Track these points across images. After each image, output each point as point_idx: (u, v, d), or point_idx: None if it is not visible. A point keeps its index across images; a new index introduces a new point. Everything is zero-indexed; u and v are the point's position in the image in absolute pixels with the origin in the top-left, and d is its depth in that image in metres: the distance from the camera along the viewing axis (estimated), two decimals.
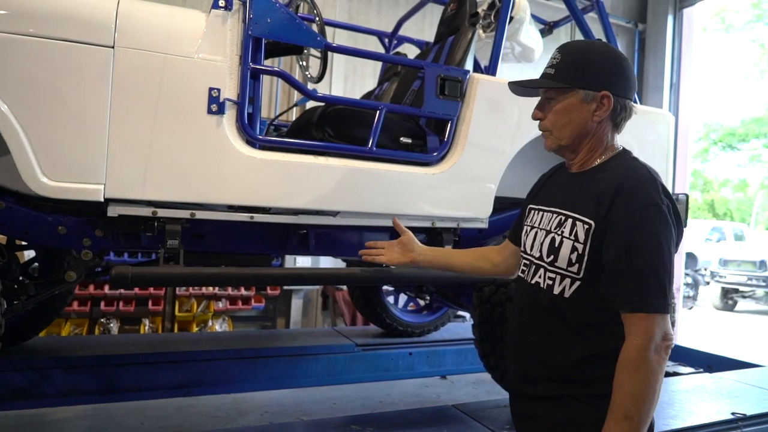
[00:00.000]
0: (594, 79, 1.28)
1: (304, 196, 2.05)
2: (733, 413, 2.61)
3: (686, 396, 2.93)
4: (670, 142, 2.85)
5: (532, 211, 1.43)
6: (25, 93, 1.69)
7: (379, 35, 3.68)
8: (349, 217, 2.20)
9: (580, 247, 1.25)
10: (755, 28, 19.93)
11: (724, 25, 20.45)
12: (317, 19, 2.29)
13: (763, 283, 10.78)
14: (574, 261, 1.25)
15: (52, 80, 1.72)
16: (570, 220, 1.28)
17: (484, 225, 2.45)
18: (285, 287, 5.21)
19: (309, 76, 2.53)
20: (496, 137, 2.40)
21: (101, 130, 1.78)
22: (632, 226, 1.19)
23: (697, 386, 3.11)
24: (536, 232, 1.37)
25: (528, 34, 3.13)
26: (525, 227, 1.43)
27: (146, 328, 4.75)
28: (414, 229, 2.41)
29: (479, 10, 3.14)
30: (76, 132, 1.76)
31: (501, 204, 2.68)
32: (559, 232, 1.29)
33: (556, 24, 3.40)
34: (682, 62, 6.78)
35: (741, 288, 11.60)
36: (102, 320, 4.65)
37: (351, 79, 5.64)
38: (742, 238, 15.10)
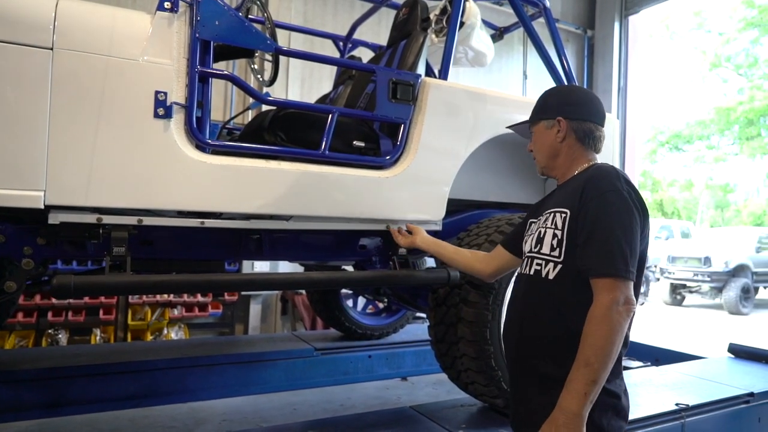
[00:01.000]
0: (549, 110, 1.66)
1: (256, 201, 2.03)
2: (677, 404, 2.72)
3: (634, 389, 3.04)
4: (615, 144, 2.96)
5: (532, 224, 1.68)
6: None
7: (334, 38, 3.68)
8: (302, 222, 2.19)
9: (559, 233, 1.50)
10: (696, 36, 20.91)
11: (668, 32, 21.38)
12: (267, 22, 2.27)
13: (708, 279, 11.27)
14: (555, 246, 1.50)
15: None
16: (552, 214, 1.55)
17: (438, 227, 2.49)
18: (243, 293, 5.13)
19: (261, 79, 2.51)
20: (448, 140, 2.43)
21: (40, 135, 1.72)
22: (598, 207, 1.42)
23: (644, 379, 3.23)
24: (531, 235, 1.64)
25: (479, 38, 3.19)
26: (526, 237, 1.67)
27: (97, 338, 4.59)
28: (368, 232, 2.45)
29: (432, 15, 3.19)
30: (12, 137, 1.69)
31: (454, 206, 2.73)
32: (544, 226, 1.56)
33: (506, 29, 3.48)
34: (628, 67, 7.05)
35: (688, 283, 12.10)
36: (50, 331, 4.46)
37: (308, 83, 5.62)
38: (689, 236, 15.79)
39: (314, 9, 5.74)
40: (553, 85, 3.04)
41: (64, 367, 2.94)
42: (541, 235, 1.56)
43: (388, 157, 2.30)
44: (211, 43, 2.03)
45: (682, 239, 15.24)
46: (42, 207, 1.73)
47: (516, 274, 1.71)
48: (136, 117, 1.84)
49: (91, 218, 1.83)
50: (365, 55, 3.67)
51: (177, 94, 1.90)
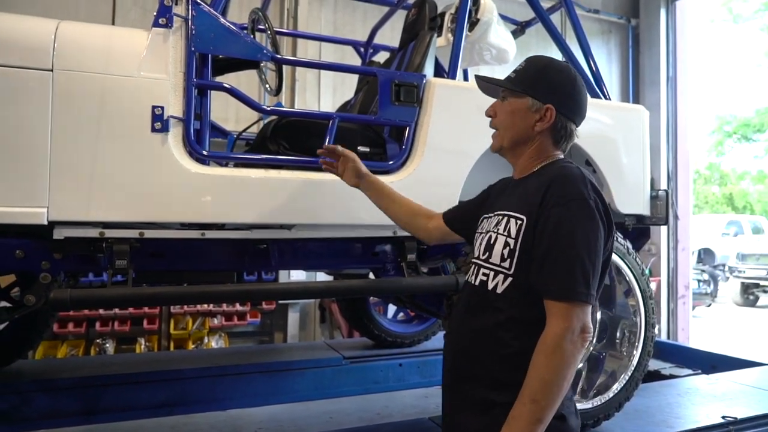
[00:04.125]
0: (544, 91, 1.38)
1: (256, 211, 2.02)
2: (723, 417, 2.50)
3: (677, 400, 2.83)
4: (645, 136, 2.76)
5: (483, 220, 1.50)
6: None
7: (354, 44, 3.66)
8: (305, 230, 2.17)
9: (511, 242, 1.31)
10: (763, 17, 19.55)
11: (731, 16, 20.11)
12: (269, 31, 2.28)
13: None
14: (506, 256, 1.32)
15: None
16: (505, 218, 1.36)
17: None
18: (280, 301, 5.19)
19: (268, 89, 2.52)
20: (457, 141, 2.35)
21: (42, 153, 1.78)
22: (561, 217, 1.25)
23: (690, 389, 3.00)
24: (482, 237, 1.44)
25: (498, 35, 3.08)
26: (476, 235, 1.49)
27: (142, 347, 4.77)
28: (376, 239, 2.39)
29: (448, 14, 3.12)
30: (16, 156, 1.76)
31: None
32: (495, 230, 1.37)
33: (527, 24, 3.35)
34: (677, 55, 6.65)
35: (762, 282, 11.28)
36: (98, 341, 4.67)
37: (340, 90, 5.64)
38: (761, 231, 14.71)
39: (344, 17, 5.76)
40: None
41: (97, 375, 3.05)
42: (491, 242, 1.36)
43: (392, 162, 2.25)
44: (209, 56, 2.06)
45: (754, 235, 14.21)
46: (45, 223, 1.79)
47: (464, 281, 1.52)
48: (134, 132, 1.88)
49: (93, 232, 1.88)
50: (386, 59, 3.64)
51: (174, 107, 1.93)
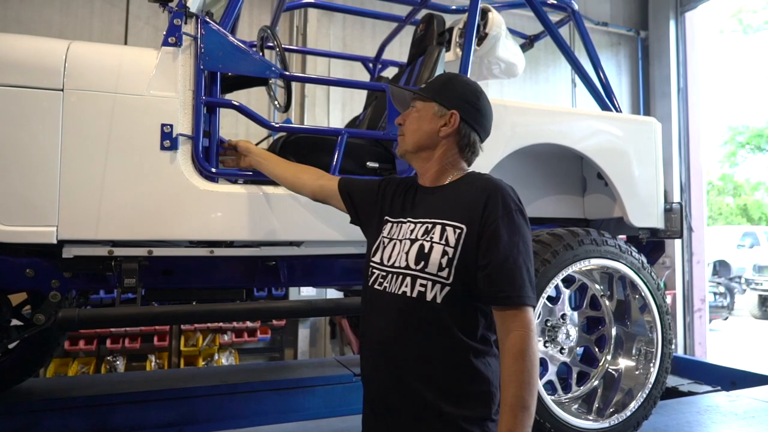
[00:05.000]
0: (449, 98, 1.44)
1: (265, 228, 2.02)
2: None
3: (697, 418, 2.75)
4: (658, 148, 2.73)
5: (388, 224, 1.48)
6: None
7: (363, 60, 3.68)
8: (314, 247, 2.15)
9: (450, 251, 1.31)
10: None
11: (741, 26, 20.03)
12: (278, 49, 2.29)
13: None
14: (444, 265, 1.31)
15: (1, 125, 1.74)
16: (439, 227, 1.35)
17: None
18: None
19: (277, 105, 2.52)
20: None
21: (53, 173, 1.79)
22: (505, 229, 1.29)
23: (710, 406, 2.92)
24: (394, 244, 1.41)
25: (507, 49, 3.07)
26: (380, 240, 1.46)
27: (152, 364, 4.75)
28: None
29: (456, 28, 3.12)
30: (27, 176, 1.77)
31: None
32: (428, 239, 1.35)
33: (536, 37, 3.34)
34: (688, 67, 6.61)
35: None
36: (108, 358, 4.66)
37: (349, 106, 5.66)
38: None
39: (352, 33, 5.80)
40: (593, 98, 2.88)
41: (107, 394, 3.03)
42: (426, 251, 1.32)
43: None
44: (218, 74, 2.06)
45: None
46: (55, 242, 1.79)
47: (370, 289, 1.43)
48: (143, 150, 1.88)
49: (102, 251, 1.88)
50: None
51: (183, 125, 1.93)
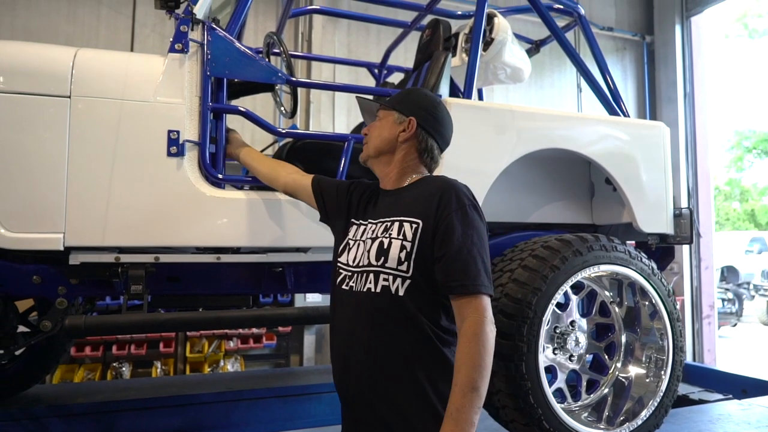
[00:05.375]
0: (408, 107, 1.55)
1: (271, 234, 2.01)
2: None
3: (710, 427, 2.71)
4: (667, 153, 2.71)
5: (354, 226, 1.55)
6: None
7: (368, 66, 3.68)
8: (321, 253, 2.14)
9: (408, 245, 1.38)
10: None
11: (747, 31, 19.96)
12: (284, 55, 2.28)
13: None
14: (403, 259, 1.37)
15: (8, 132, 1.75)
16: (396, 223, 1.42)
17: None
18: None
19: (283, 111, 2.52)
20: (474, 161, 2.31)
21: (59, 179, 1.79)
22: (458, 222, 1.35)
23: (722, 415, 2.88)
24: (359, 244, 1.48)
25: (513, 54, 3.07)
26: (346, 241, 1.53)
27: (158, 370, 4.74)
28: None
29: (462, 34, 3.12)
30: (34, 182, 1.77)
31: (490, 230, 2.58)
32: (386, 236, 1.42)
33: (542, 42, 3.33)
34: (694, 71, 6.58)
35: None
36: (114, 364, 4.66)
37: (354, 112, 5.65)
38: None
39: (357, 39, 5.81)
40: (600, 102, 2.87)
41: (113, 401, 3.02)
42: (385, 246, 1.40)
43: None
44: (224, 80, 2.06)
45: None
46: (62, 249, 1.79)
47: (338, 290, 1.50)
48: (149, 156, 1.88)
49: (109, 257, 1.87)
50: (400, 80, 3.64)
51: (190, 132, 1.93)
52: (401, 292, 1.36)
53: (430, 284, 1.36)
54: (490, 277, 1.35)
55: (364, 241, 1.47)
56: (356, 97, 1.73)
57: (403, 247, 1.37)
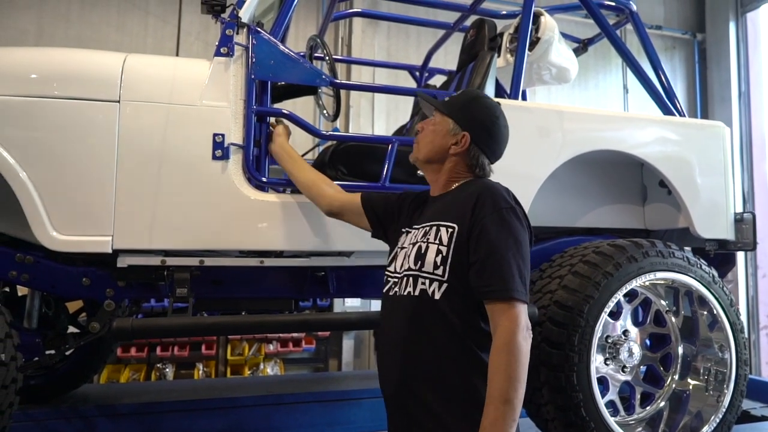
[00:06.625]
0: (465, 118, 1.50)
1: (314, 238, 1.99)
2: None
3: None
4: (727, 154, 2.56)
5: (402, 234, 1.55)
6: (34, 150, 1.76)
7: (409, 69, 3.64)
8: (365, 257, 2.10)
9: (444, 249, 1.37)
10: None
11: None
12: (327, 58, 2.27)
13: None
14: (439, 264, 1.36)
15: (60, 137, 1.78)
16: (434, 228, 1.42)
17: None
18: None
19: (326, 114, 2.51)
20: (521, 163, 2.24)
21: (108, 183, 1.81)
22: (493, 225, 1.33)
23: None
24: (405, 251, 1.48)
25: (559, 53, 2.97)
26: (395, 250, 1.53)
27: (200, 372, 4.81)
28: None
29: (506, 34, 3.04)
30: (84, 186, 1.80)
31: (537, 235, 2.50)
32: (425, 240, 1.42)
33: (590, 41, 3.22)
34: (750, 70, 6.26)
35: None
36: (158, 365, 4.75)
37: (393, 115, 5.63)
38: None
39: (397, 43, 5.79)
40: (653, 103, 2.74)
41: (158, 402, 3.07)
42: (422, 251, 1.40)
43: None
44: (269, 83, 2.06)
45: None
46: (110, 251, 1.81)
47: (385, 296, 1.51)
48: (195, 160, 1.89)
49: (155, 260, 1.89)
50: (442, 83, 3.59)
51: (235, 135, 1.93)
52: (437, 296, 1.35)
53: (467, 288, 1.34)
54: (525, 283, 1.31)
55: (407, 248, 1.48)
56: (419, 94, 1.72)
57: (439, 252, 1.37)
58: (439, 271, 1.36)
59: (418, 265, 1.40)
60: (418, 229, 1.48)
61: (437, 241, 1.38)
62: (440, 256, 1.36)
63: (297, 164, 1.94)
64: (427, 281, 1.38)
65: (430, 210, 1.51)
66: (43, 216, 1.75)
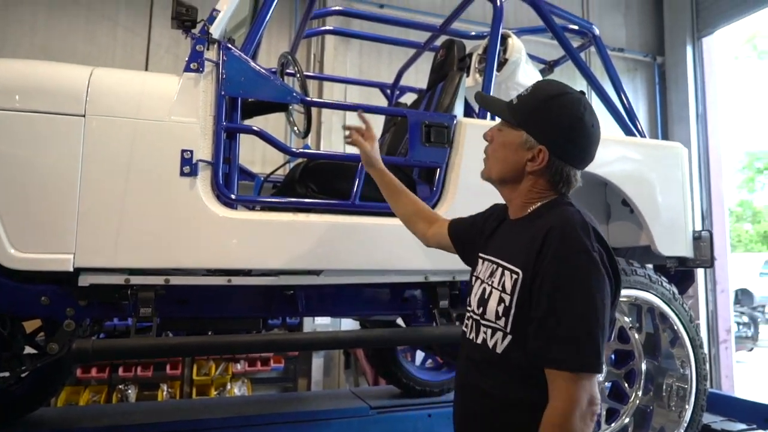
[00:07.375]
0: (540, 129, 1.22)
1: (284, 256, 1.97)
2: None
3: None
4: (685, 174, 2.66)
5: (479, 261, 1.36)
6: None
7: (380, 86, 3.67)
8: (334, 276, 2.09)
9: (507, 298, 1.18)
10: None
11: (756, 52, 19.99)
12: (299, 75, 2.27)
13: None
14: (501, 314, 1.18)
15: (22, 151, 1.73)
16: (500, 270, 1.23)
17: None
18: None
19: (297, 131, 2.50)
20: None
21: (71, 199, 1.76)
22: (562, 274, 1.10)
23: None
24: (475, 289, 1.32)
25: (526, 74, 3.05)
26: (472, 278, 1.37)
27: (164, 393, 4.67)
28: (406, 285, 2.30)
29: (475, 54, 3.11)
30: (45, 202, 1.74)
31: None
32: (490, 283, 1.25)
33: (556, 63, 3.32)
34: (706, 92, 6.54)
35: None
36: (120, 386, 4.59)
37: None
38: None
39: (369, 60, 5.84)
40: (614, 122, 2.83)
41: (121, 426, 2.95)
42: (485, 296, 1.23)
43: None
44: (239, 99, 2.05)
45: None
46: (71, 270, 1.76)
47: (462, 333, 1.38)
48: (162, 176, 1.86)
49: (119, 279, 1.84)
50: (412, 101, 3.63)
51: (203, 151, 1.91)
52: (499, 350, 1.18)
53: None
54: (596, 348, 1.06)
55: (476, 283, 1.32)
56: (478, 93, 1.45)
57: (501, 300, 1.19)
58: (501, 322, 1.18)
59: (481, 310, 1.25)
60: (488, 261, 1.31)
61: (500, 288, 1.20)
62: (502, 305, 1.18)
63: (395, 191, 1.73)
64: (489, 330, 1.21)
65: (500, 239, 1.32)
66: (0, 232, 1.68)
